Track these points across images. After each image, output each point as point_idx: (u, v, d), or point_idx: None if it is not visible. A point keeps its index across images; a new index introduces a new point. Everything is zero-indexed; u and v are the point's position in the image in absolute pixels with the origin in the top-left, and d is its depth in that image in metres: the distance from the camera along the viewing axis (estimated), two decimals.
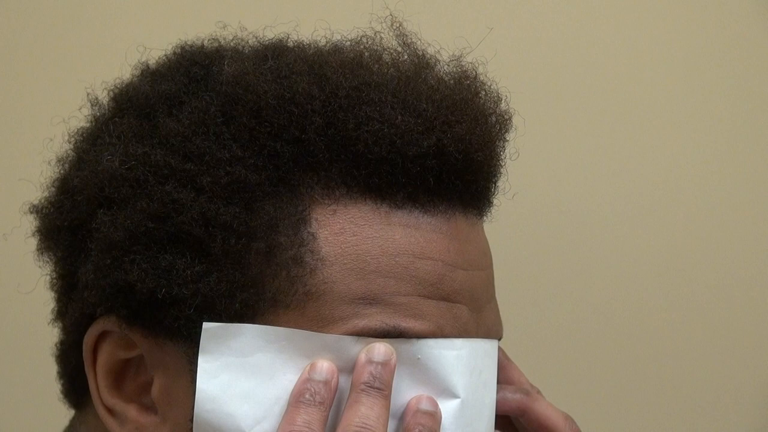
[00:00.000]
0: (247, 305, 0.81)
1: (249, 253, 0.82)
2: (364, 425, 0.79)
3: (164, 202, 0.82)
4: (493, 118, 0.88)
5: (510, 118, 0.90)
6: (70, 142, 0.92)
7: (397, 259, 0.82)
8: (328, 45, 0.90)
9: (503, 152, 0.89)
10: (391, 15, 0.91)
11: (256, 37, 0.92)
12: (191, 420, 0.81)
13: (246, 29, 0.92)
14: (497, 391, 0.88)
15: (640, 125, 1.41)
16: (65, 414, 0.95)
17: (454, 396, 0.83)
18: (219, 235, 0.81)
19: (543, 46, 1.41)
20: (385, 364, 0.80)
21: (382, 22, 0.90)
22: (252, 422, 0.80)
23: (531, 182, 1.36)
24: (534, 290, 1.40)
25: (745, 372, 1.42)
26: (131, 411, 0.85)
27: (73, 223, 0.87)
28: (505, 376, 0.92)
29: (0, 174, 1.40)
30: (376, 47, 0.89)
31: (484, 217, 0.90)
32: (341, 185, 0.83)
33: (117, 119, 0.88)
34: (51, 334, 0.93)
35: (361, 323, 0.81)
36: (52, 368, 0.94)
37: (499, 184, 0.90)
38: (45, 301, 0.93)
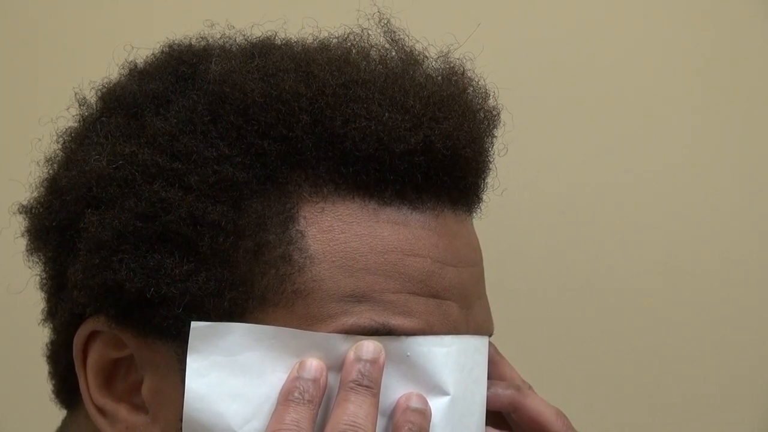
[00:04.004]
0: (236, 304, 0.81)
1: (237, 252, 0.82)
2: (353, 423, 0.79)
3: (152, 201, 0.82)
4: (481, 114, 0.89)
5: (498, 114, 0.90)
6: (58, 142, 0.92)
7: (385, 256, 0.82)
8: (315, 43, 0.90)
9: (491, 148, 0.89)
10: (378, 12, 0.91)
11: (244, 36, 0.92)
12: (181, 419, 0.81)
13: (233, 27, 0.93)
14: (489, 388, 0.88)
15: (629, 120, 1.41)
16: (57, 414, 0.95)
17: (444, 393, 0.83)
18: (207, 234, 0.81)
19: (531, 42, 1.40)
20: (373, 361, 0.80)
21: (369, 19, 0.90)
22: (241, 421, 0.80)
23: (520, 178, 1.36)
24: (524, 286, 1.40)
25: (740, 369, 1.42)
26: (122, 411, 0.85)
27: (61, 223, 0.87)
28: (496, 372, 0.92)
29: None
30: (363, 44, 0.89)
31: (474, 214, 0.90)
32: (329, 183, 0.83)
33: (105, 119, 0.88)
34: (42, 335, 0.93)
35: (350, 321, 0.81)
36: (43, 368, 0.94)
37: (488, 180, 0.90)
38: (35, 301, 0.93)
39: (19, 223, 0.93)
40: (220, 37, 0.92)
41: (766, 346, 1.42)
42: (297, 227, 0.82)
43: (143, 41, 0.93)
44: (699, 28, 1.42)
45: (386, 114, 0.83)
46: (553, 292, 1.41)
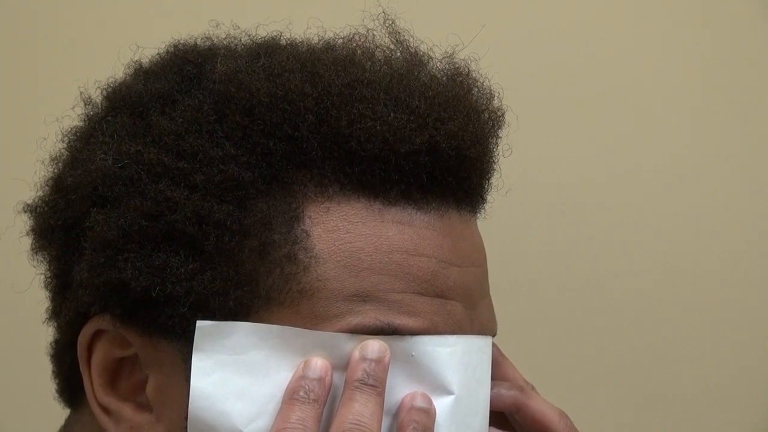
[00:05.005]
0: (241, 303, 0.81)
1: (242, 251, 0.82)
2: (358, 422, 0.79)
3: (158, 201, 0.82)
4: (486, 115, 0.89)
5: (503, 115, 0.90)
6: (63, 141, 0.93)
7: (390, 256, 0.83)
8: (320, 43, 0.90)
9: (496, 149, 0.90)
10: (383, 12, 0.91)
11: (249, 36, 0.92)
12: (186, 418, 0.81)
13: (239, 27, 0.93)
14: (492, 388, 0.88)
15: (633, 121, 1.42)
16: (61, 413, 0.95)
17: (449, 392, 0.83)
18: (212, 233, 0.81)
19: (535, 43, 1.41)
20: (378, 361, 0.80)
21: (374, 20, 0.91)
22: (246, 420, 0.80)
23: (524, 179, 1.36)
24: (528, 287, 1.40)
25: (741, 369, 1.42)
26: (126, 410, 0.85)
27: (66, 222, 0.87)
28: (499, 372, 0.92)
29: None
30: (368, 45, 0.89)
31: (478, 214, 0.90)
32: (334, 183, 0.83)
33: (110, 118, 0.88)
34: (46, 333, 0.93)
35: (355, 320, 0.81)
36: (47, 367, 0.94)
37: (493, 180, 0.90)
38: (40, 300, 0.93)
39: (24, 222, 0.93)
40: (225, 37, 0.92)
41: (766, 346, 1.42)
42: (302, 227, 0.82)
43: (148, 41, 0.93)
44: (701, 29, 1.42)
45: (391, 114, 0.83)
46: (555, 293, 1.41)
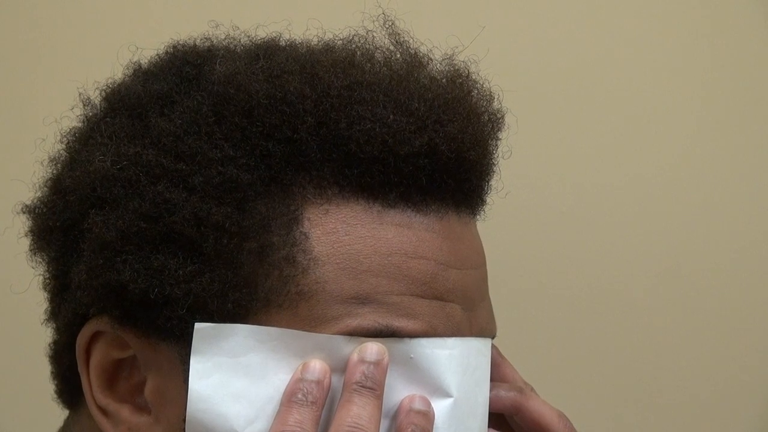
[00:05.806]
0: (240, 305, 0.81)
1: (241, 253, 0.82)
2: (356, 425, 0.79)
3: (156, 202, 0.82)
4: (486, 117, 0.89)
5: (502, 117, 0.90)
6: (62, 142, 0.92)
7: (389, 258, 0.82)
8: (320, 44, 0.90)
9: (496, 151, 0.90)
10: (383, 14, 0.91)
11: (249, 37, 0.92)
12: (184, 420, 0.81)
13: (238, 28, 0.93)
14: (491, 389, 0.88)
15: (632, 123, 1.42)
16: (59, 414, 0.95)
17: (447, 395, 0.83)
18: (211, 235, 0.81)
19: (535, 45, 1.41)
20: (377, 363, 0.80)
21: (374, 21, 0.91)
22: (244, 422, 0.80)
23: (524, 181, 1.36)
24: (527, 289, 1.40)
25: (740, 369, 1.42)
26: (124, 411, 0.85)
27: (65, 223, 0.87)
28: (498, 374, 0.92)
29: None
30: (368, 46, 0.89)
31: (477, 216, 0.90)
32: (333, 185, 0.83)
33: (109, 119, 0.88)
34: (44, 335, 0.93)
35: (354, 323, 0.81)
36: (45, 368, 0.94)
37: (492, 182, 0.90)
38: (38, 301, 0.93)
39: (23, 222, 0.93)
40: (225, 38, 0.92)
41: (766, 346, 1.42)
42: (301, 229, 0.82)
43: (148, 42, 0.93)
44: (702, 30, 1.42)
45: (391, 116, 0.83)
46: (555, 294, 1.41)
